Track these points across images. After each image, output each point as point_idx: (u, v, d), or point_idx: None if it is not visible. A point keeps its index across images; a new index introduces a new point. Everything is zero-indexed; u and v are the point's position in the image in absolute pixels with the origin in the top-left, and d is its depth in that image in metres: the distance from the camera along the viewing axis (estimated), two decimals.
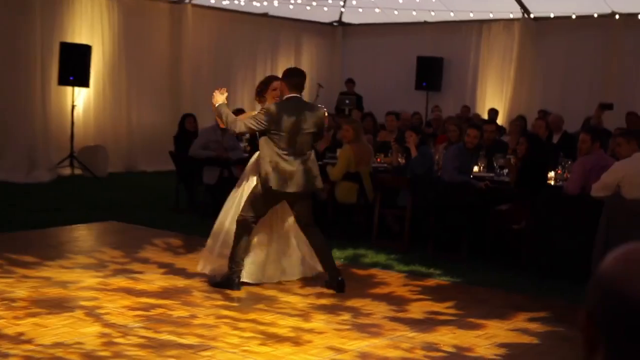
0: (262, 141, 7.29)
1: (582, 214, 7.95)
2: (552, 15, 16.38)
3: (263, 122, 7.15)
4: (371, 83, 18.22)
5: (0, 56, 13.76)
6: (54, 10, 14.61)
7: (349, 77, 18.17)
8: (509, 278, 8.10)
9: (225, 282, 7.30)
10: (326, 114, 7.71)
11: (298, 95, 7.35)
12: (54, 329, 5.89)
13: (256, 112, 7.39)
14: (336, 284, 7.36)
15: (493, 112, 15.38)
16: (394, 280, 7.93)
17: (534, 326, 6.50)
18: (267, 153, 7.22)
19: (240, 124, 7.28)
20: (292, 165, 7.20)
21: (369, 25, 19.21)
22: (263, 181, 7.19)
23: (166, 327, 6.04)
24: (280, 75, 7.60)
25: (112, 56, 15.52)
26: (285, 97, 7.32)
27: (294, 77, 7.41)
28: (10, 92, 13.86)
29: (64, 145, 14.60)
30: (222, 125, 7.84)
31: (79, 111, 14.96)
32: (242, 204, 7.38)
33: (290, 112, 7.20)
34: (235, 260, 7.29)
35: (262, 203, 7.28)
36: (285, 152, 7.19)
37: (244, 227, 7.28)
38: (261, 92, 7.77)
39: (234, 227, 7.33)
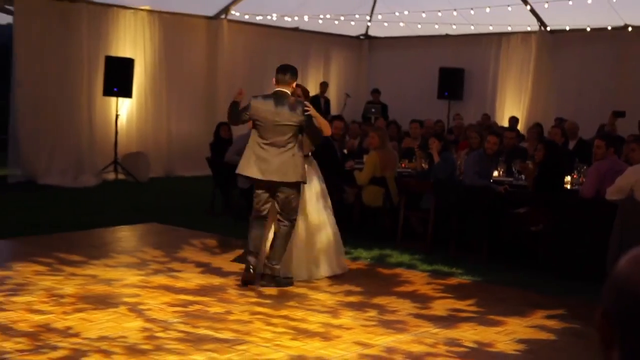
0: (252, 130, 7.49)
1: (597, 217, 7.88)
2: (567, 28, 16.30)
3: (247, 112, 7.38)
4: (396, 93, 18.16)
5: (50, 69, 13.89)
6: (100, 26, 14.73)
7: (375, 87, 18.14)
8: (527, 277, 8.05)
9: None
10: (307, 107, 7.37)
11: (281, 89, 7.39)
12: (99, 323, 5.94)
13: None
14: (261, 275, 7.41)
15: (514, 120, 15.30)
16: (417, 279, 7.90)
17: (551, 323, 6.45)
18: (250, 141, 7.43)
19: (235, 117, 7.52)
20: (268, 154, 7.27)
21: (394, 39, 19.19)
22: (239, 170, 7.43)
23: (203, 323, 6.06)
24: (302, 85, 7.70)
25: (153, 69, 15.62)
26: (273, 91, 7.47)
27: (277, 72, 7.51)
28: (59, 103, 13.99)
29: (109, 152, 14.71)
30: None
31: (122, 120, 15.07)
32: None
33: (267, 104, 7.32)
34: (246, 250, 7.51)
35: (254, 194, 7.47)
36: (264, 141, 7.29)
37: (249, 222, 7.53)
38: None
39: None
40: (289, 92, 7.41)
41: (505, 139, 10.40)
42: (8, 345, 5.35)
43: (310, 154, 7.81)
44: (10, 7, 13.63)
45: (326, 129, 7.62)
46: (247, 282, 7.27)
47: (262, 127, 7.30)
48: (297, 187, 7.41)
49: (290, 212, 7.40)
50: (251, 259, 7.35)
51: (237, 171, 7.48)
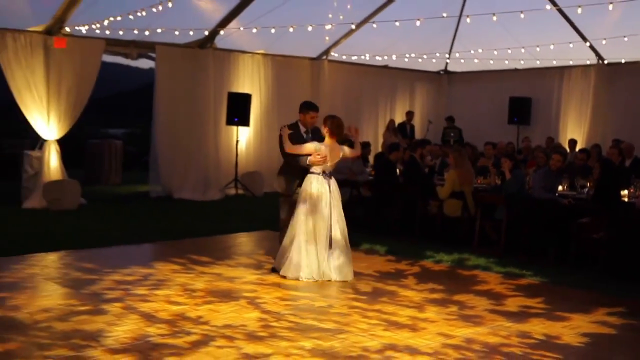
0: None
1: None
2: (623, 61, 15.81)
3: None
4: (472, 119, 17.94)
5: (183, 103, 14.25)
6: (223, 67, 15.04)
7: (449, 115, 17.99)
8: (589, 279, 7.79)
9: None
10: (281, 130, 7.70)
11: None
12: (224, 313, 6.02)
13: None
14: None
15: (572, 142, 14.96)
16: (492, 280, 7.73)
17: (612, 319, 6.21)
18: None
19: None
20: None
21: (469, 73, 18.96)
22: None
23: (309, 314, 6.07)
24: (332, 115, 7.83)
25: (267, 102, 15.84)
26: None
27: None
28: (191, 131, 14.32)
29: (230, 171, 14.96)
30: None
31: (241, 145, 15.31)
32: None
33: None
34: None
35: None
36: None
37: None
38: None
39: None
40: (297, 122, 7.89)
41: (576, 159, 10.26)
42: (152, 330, 5.49)
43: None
44: (153, 54, 14.07)
45: (290, 150, 7.53)
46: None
47: None
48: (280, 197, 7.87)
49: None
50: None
51: None
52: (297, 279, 7.30)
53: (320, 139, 7.62)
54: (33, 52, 12.16)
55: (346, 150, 7.69)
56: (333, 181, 7.59)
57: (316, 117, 7.83)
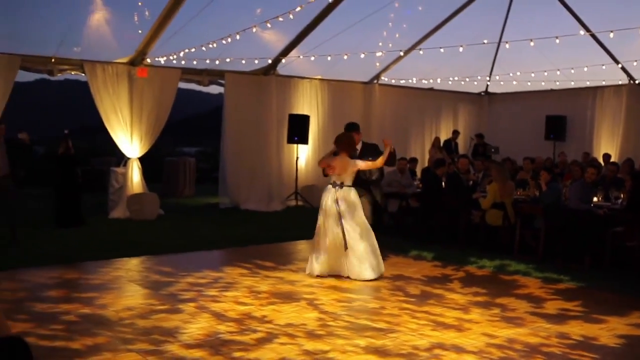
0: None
1: None
2: None
3: None
4: (511, 136, 17.65)
5: (249, 124, 14.38)
6: (285, 91, 15.14)
7: (479, 132, 17.70)
8: (624, 284, 7.53)
9: None
10: None
11: None
12: (286, 313, 6.02)
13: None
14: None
15: (607, 156, 14.54)
16: (532, 284, 7.55)
17: None
18: None
19: None
20: None
21: (508, 94, 18.66)
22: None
23: (363, 315, 6.03)
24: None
25: (324, 122, 15.85)
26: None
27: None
28: (256, 149, 14.45)
29: (291, 185, 15.02)
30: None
31: (301, 161, 15.36)
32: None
33: None
34: None
35: None
36: None
37: None
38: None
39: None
40: None
41: (608, 171, 9.96)
42: (222, 327, 5.52)
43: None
44: (222, 81, 14.28)
45: (319, 165, 7.98)
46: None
47: None
48: None
49: None
50: None
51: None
52: (312, 276, 7.54)
53: (370, 154, 7.75)
54: (119, 80, 12.49)
55: (359, 163, 7.74)
56: (343, 190, 7.60)
57: (358, 136, 8.32)
